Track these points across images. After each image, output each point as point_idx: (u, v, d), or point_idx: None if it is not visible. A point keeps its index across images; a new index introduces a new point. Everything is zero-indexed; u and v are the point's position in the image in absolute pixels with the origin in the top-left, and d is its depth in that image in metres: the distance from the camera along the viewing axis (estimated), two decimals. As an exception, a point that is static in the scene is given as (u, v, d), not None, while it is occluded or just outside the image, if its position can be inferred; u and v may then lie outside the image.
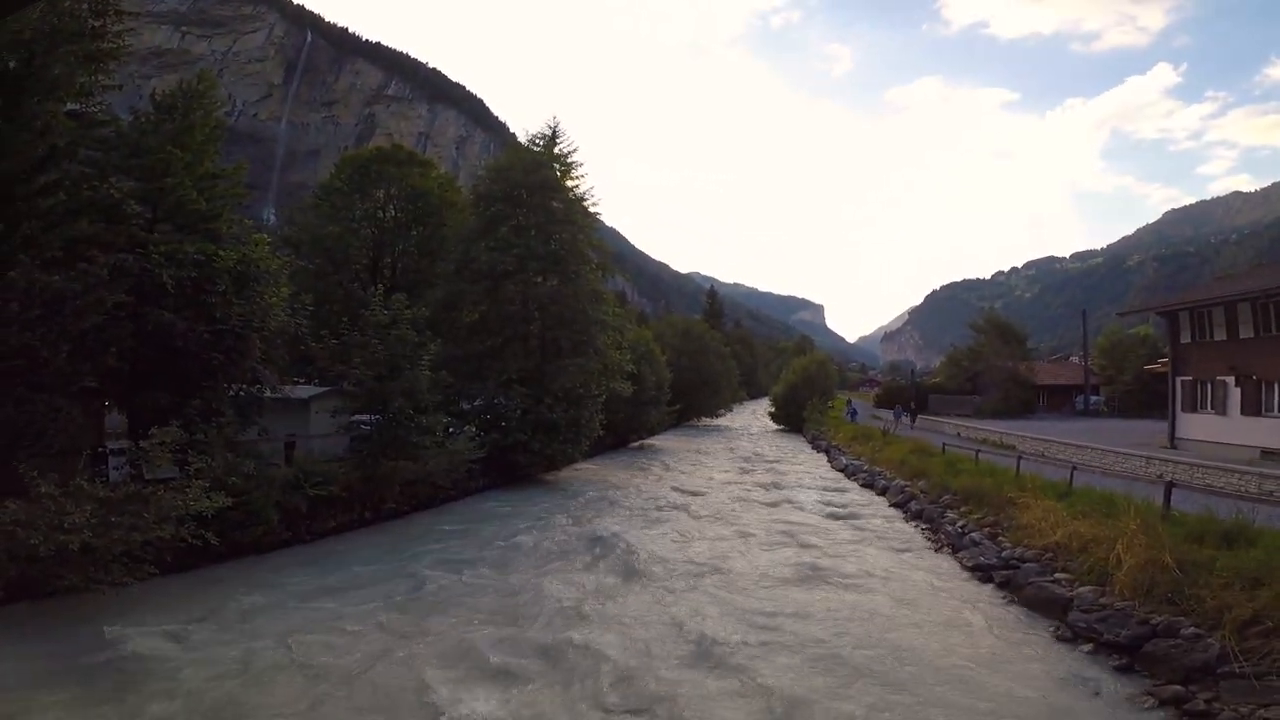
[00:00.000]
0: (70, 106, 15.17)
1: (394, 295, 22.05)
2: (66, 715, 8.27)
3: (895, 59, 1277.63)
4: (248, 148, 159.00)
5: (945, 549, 16.42)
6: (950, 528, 17.18)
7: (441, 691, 8.93)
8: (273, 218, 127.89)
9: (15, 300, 12.91)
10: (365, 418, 20.45)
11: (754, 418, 74.84)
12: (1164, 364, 30.13)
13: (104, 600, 11.53)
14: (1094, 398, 50.74)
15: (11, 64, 13.58)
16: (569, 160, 31.22)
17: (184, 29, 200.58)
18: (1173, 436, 25.10)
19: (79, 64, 14.62)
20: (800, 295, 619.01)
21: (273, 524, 15.91)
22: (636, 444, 44.03)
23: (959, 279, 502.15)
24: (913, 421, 39.11)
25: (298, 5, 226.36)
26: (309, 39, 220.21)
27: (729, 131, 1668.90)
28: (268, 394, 18.22)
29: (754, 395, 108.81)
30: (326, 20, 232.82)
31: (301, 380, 22.91)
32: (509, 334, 28.26)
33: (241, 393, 17.53)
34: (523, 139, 33.59)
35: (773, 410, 65.61)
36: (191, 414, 15.53)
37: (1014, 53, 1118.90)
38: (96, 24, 14.70)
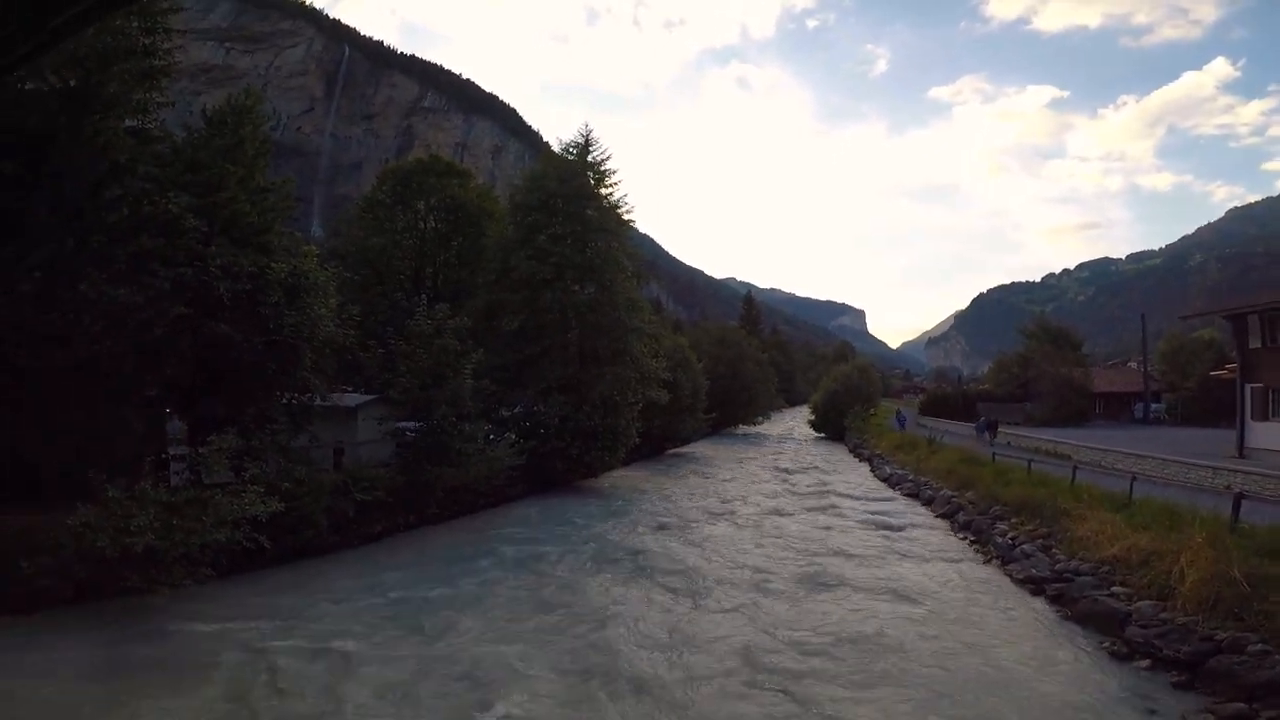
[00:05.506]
0: (128, 123, 15.75)
1: (437, 305, 22.52)
2: (133, 711, 8.66)
3: (935, 58, 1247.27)
4: (293, 161, 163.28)
5: (994, 561, 15.92)
6: (1000, 539, 16.65)
7: (483, 694, 9.10)
8: (318, 230, 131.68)
9: (86, 313, 13.58)
10: (409, 425, 20.91)
11: (793, 425, 73.78)
12: (1231, 370, 28.64)
13: (166, 601, 11.97)
14: (1155, 405, 48.49)
15: (72, 82, 14.28)
16: (602, 168, 31.50)
17: (228, 45, 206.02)
18: (1241, 446, 23.80)
19: (134, 81, 15.25)
20: (840, 300, 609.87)
21: (321, 528, 16.36)
22: (672, 452, 43.88)
23: (1007, 282, 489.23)
24: (993, 437, 33.78)
25: (333, 20, 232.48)
26: (346, 53, 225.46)
27: (764, 135, 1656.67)
28: (317, 402, 18.73)
29: (793, 402, 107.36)
30: (362, 34, 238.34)
31: (349, 388, 23.55)
32: (547, 342, 28.53)
33: (293, 401, 18.04)
34: (556, 148, 33.96)
35: (812, 418, 64.57)
36: (247, 421, 16.09)
37: (1060, 49, 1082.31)
38: (147, 42, 15.31)
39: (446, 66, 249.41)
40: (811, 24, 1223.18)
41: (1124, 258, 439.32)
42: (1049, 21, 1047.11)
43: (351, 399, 22.11)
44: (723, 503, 25.49)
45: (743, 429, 64.25)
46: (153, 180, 15.32)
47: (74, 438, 13.72)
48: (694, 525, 21.04)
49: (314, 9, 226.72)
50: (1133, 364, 63.19)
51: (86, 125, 14.28)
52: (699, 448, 47.91)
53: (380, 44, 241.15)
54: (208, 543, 12.52)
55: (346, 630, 11.41)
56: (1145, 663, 9.67)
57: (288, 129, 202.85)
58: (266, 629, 11.37)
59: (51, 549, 11.49)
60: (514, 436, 25.15)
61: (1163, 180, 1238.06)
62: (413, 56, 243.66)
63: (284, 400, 17.85)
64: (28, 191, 13.61)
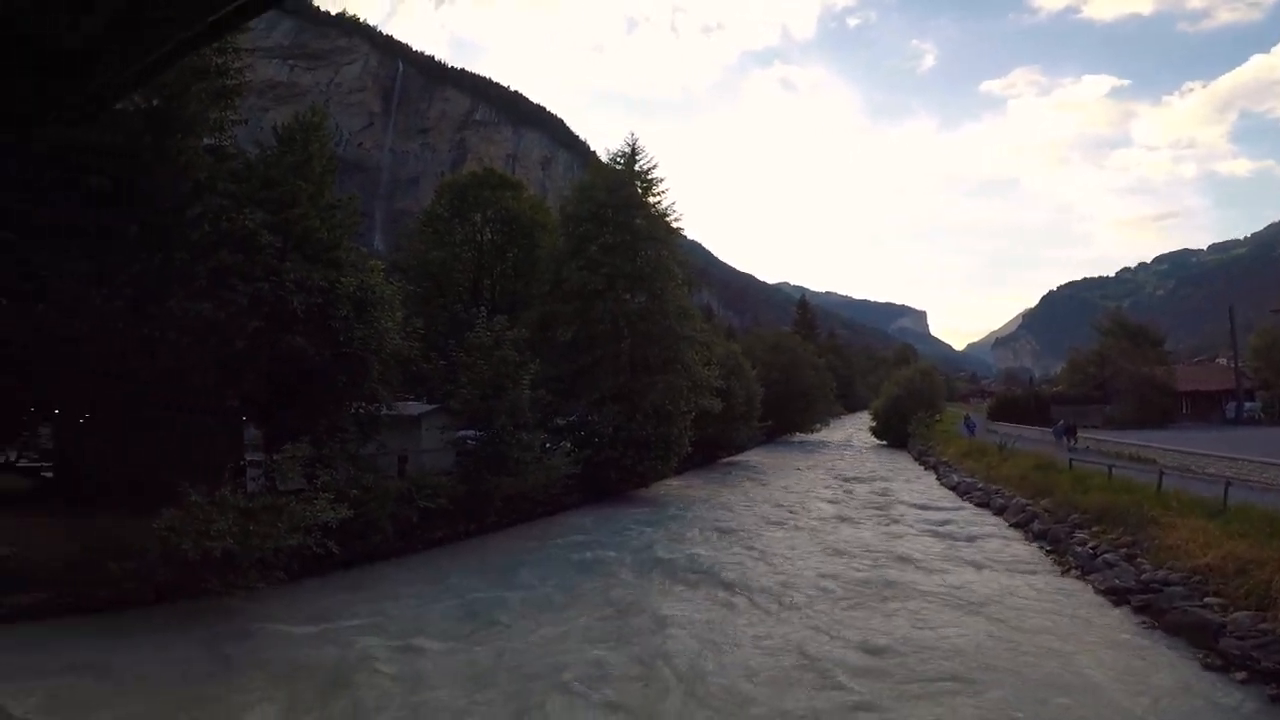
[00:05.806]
0: (206, 141, 16.55)
1: (496, 318, 23.06)
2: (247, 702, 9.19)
3: (984, 51, 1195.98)
4: (355, 176, 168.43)
5: (1073, 571, 15.11)
6: (1080, 549, 15.79)
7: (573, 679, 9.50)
8: (380, 244, 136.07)
9: (172, 329, 14.38)
10: (470, 433, 21.39)
11: (853, 432, 71.91)
12: (1336, 365, 26.30)
13: (241, 603, 12.47)
14: (1248, 404, 44.85)
15: (155, 102, 15.10)
16: (649, 176, 31.60)
17: (291, 62, 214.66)
18: (1351, 447, 21.84)
19: (210, 100, 16.06)
20: (899, 302, 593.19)
21: (387, 534, 16.86)
22: (726, 460, 43.31)
23: (1079, 277, 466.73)
24: (1072, 441, 32.40)
25: (386, 36, 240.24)
26: (400, 68, 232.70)
27: (811, 135, 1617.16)
28: (384, 412, 19.36)
29: (852, 409, 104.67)
30: (414, 49, 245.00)
31: (412, 398, 24.26)
32: (600, 353, 28.70)
33: (361, 410, 18.69)
34: (603, 158, 34.30)
35: (873, 425, 62.71)
36: (319, 430, 16.73)
37: (1114, 37, 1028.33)
38: (220, 61, 16.10)
39: (495, 80, 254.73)
40: (853, 22, 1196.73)
41: (1205, 248, 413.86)
42: (1100, 10, 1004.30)
43: (415, 408, 22.74)
44: (778, 509, 25.06)
45: (799, 437, 63.01)
46: (230, 197, 16.02)
47: (161, 447, 14.54)
48: (751, 533, 20.74)
49: (368, 26, 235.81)
50: (1221, 360, 58.77)
51: (170, 144, 15.07)
52: (753, 456, 47.25)
53: (431, 59, 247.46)
54: (281, 547, 12.94)
55: (427, 628, 11.87)
56: (1241, 675, 9.14)
57: (349, 145, 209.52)
58: (351, 627, 11.84)
59: (139, 551, 12.14)
60: (569, 446, 25.43)
61: (1240, 166, 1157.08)
62: (463, 70, 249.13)
63: (353, 410, 18.49)
64: (116, 208, 14.33)
